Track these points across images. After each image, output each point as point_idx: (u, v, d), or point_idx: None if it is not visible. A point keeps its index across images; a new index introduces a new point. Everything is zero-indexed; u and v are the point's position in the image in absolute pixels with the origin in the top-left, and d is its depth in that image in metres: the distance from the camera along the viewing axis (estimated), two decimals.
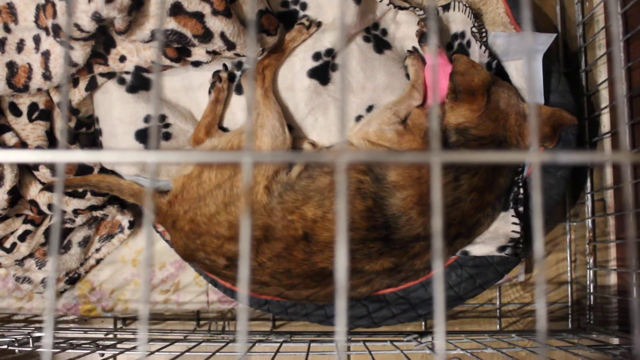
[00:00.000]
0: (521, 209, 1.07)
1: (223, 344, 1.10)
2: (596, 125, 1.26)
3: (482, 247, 1.06)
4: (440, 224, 0.31)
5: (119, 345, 1.12)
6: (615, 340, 1.14)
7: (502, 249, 1.05)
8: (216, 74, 1.08)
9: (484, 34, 1.13)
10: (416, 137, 1.00)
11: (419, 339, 1.12)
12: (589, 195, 1.25)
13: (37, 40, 1.01)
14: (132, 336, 1.20)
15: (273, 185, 0.99)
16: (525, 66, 1.07)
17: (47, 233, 1.17)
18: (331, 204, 0.97)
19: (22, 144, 1.09)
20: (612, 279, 1.23)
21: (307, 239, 0.96)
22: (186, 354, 0.99)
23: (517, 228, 1.05)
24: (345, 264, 0.34)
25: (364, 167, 0.99)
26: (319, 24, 1.08)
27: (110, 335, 1.22)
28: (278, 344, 1.11)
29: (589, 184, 1.26)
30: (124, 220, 1.20)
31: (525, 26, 0.37)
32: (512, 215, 1.06)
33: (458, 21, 1.14)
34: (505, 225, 1.06)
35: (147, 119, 1.06)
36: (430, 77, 1.05)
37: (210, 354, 0.99)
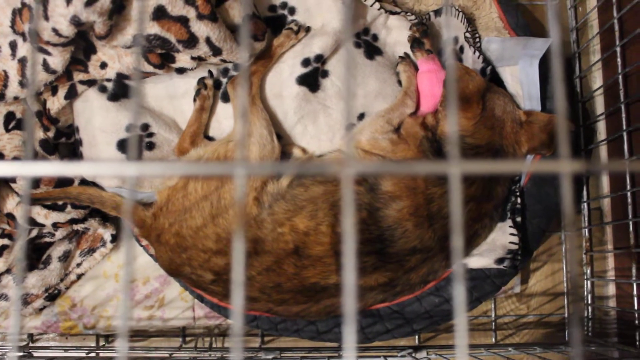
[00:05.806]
0: (519, 219, 1.04)
1: None
2: (591, 132, 1.23)
3: (479, 259, 1.02)
4: (462, 244, 0.28)
5: None
6: (616, 354, 1.11)
7: (500, 261, 1.02)
8: (201, 81, 1.04)
9: (477, 39, 1.10)
10: (411, 147, 0.97)
11: (413, 355, 1.09)
12: (585, 204, 1.23)
13: (13, 46, 0.96)
14: (115, 354, 1.15)
15: (263, 196, 0.95)
16: (530, 72, 1.03)
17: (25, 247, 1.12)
18: (324, 215, 0.92)
19: None
20: (611, 290, 1.20)
21: (298, 252, 0.92)
22: None
23: (515, 239, 1.02)
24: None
25: (358, 176, 0.95)
26: (307, 29, 1.04)
27: (93, 354, 1.17)
28: None
29: (585, 192, 1.23)
30: (106, 233, 1.15)
31: (553, 32, 0.34)
32: (510, 226, 1.03)
33: (450, 26, 1.11)
34: (502, 236, 1.02)
35: (129, 129, 1.02)
36: (427, 84, 1.02)
37: None
